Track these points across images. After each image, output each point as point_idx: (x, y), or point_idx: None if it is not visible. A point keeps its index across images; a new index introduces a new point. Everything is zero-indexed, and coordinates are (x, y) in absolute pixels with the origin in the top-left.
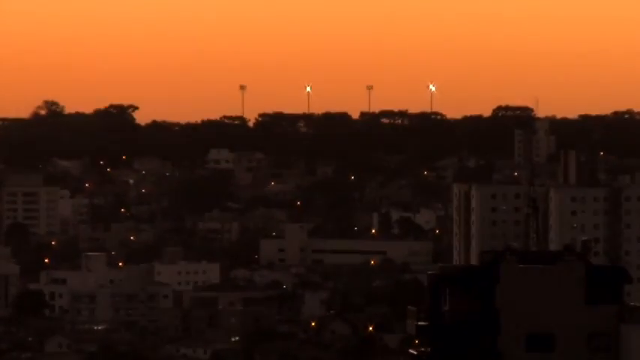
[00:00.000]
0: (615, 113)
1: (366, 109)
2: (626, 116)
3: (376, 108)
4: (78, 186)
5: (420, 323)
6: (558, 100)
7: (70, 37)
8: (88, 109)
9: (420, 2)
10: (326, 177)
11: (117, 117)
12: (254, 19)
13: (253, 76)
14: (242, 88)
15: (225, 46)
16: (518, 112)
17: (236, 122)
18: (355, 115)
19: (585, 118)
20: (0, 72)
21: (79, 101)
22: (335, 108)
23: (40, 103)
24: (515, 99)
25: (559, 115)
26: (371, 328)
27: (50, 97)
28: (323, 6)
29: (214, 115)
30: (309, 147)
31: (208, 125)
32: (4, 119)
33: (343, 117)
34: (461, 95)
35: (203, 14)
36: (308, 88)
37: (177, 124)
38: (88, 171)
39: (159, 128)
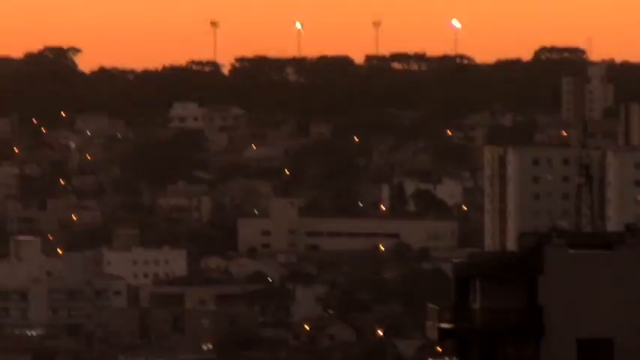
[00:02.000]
0: None
1: (372, 51)
2: None
3: (386, 50)
4: (4, 151)
5: (443, 326)
6: (617, 39)
7: None
8: (16, 52)
9: None
10: (322, 139)
11: (54, 63)
12: None
13: (228, 10)
14: (214, 24)
15: None
16: (567, 54)
17: (207, 69)
18: (359, 60)
19: None
20: None
21: (5, 43)
22: (333, 50)
23: None
24: (563, 38)
25: (618, 59)
26: (380, 333)
27: None
28: None
29: (179, 59)
30: (300, 100)
31: (171, 73)
32: None
33: (343, 61)
34: (493, 34)
35: None
36: (298, 25)
37: (132, 72)
38: (17, 132)
39: (108, 77)
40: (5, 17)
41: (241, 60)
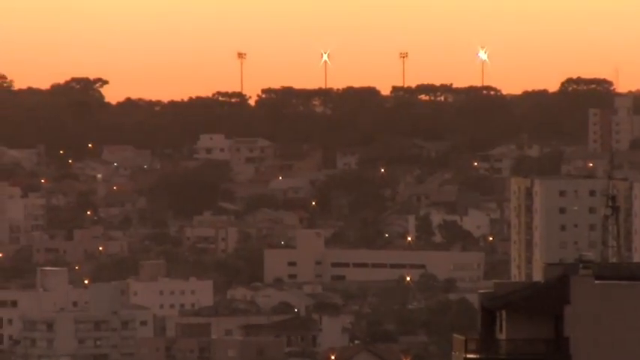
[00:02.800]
0: None
1: (399, 83)
2: None
3: (412, 82)
4: (31, 182)
5: (469, 356)
6: None
7: None
8: (43, 83)
9: None
10: (348, 170)
11: (80, 94)
12: None
13: (254, 41)
14: (240, 56)
15: (219, 5)
16: (594, 86)
17: (233, 100)
18: (385, 91)
19: None
20: None
21: (32, 74)
22: (359, 82)
23: None
24: (590, 70)
25: None
26: None
27: None
28: None
29: (205, 91)
30: (326, 132)
31: (198, 104)
32: None
33: (370, 93)
34: (520, 65)
35: None
36: (325, 57)
37: (158, 103)
38: (44, 163)
39: (134, 108)
40: (32, 49)
41: (268, 91)
